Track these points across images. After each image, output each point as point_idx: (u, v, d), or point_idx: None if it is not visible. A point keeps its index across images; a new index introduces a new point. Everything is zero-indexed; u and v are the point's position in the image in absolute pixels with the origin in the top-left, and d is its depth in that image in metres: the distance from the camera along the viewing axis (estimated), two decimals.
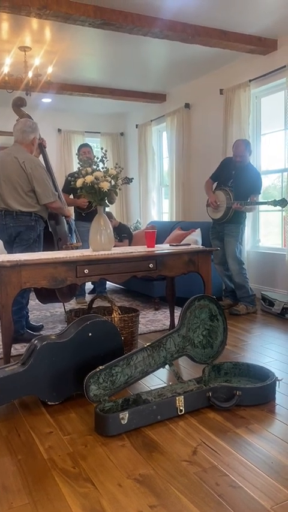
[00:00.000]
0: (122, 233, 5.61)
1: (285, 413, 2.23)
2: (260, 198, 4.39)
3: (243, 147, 4.33)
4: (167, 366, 2.49)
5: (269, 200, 4.04)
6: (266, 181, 5.01)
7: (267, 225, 5.26)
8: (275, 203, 3.96)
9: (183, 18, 3.96)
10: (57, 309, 4.69)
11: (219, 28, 4.17)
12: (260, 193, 4.38)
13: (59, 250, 3.65)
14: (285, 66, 4.38)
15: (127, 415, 2.06)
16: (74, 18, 3.66)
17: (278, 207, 4.03)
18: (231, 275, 4.48)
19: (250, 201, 4.20)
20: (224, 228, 4.39)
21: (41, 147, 3.82)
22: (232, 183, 4.33)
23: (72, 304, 4.79)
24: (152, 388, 2.54)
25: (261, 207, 5.03)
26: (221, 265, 4.52)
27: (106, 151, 3.11)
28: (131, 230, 6.00)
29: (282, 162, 4.68)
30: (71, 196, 4.70)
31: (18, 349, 3.34)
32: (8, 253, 3.47)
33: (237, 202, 4.16)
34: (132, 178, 4.46)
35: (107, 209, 6.74)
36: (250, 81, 4.83)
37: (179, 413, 2.21)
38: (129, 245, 5.42)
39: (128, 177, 4.38)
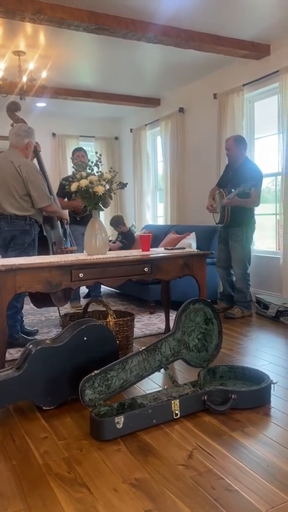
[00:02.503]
0: (128, 239, 5.59)
1: (280, 417, 2.23)
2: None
3: (232, 140, 4.30)
4: (162, 370, 2.49)
5: (239, 188, 4.00)
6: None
7: (262, 228, 5.28)
8: (243, 189, 3.96)
9: (177, 23, 3.99)
10: (52, 313, 4.68)
11: (213, 33, 4.20)
12: (255, 184, 4.08)
13: (53, 254, 3.64)
14: (278, 71, 4.41)
15: (122, 419, 2.05)
16: (68, 23, 3.67)
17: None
18: (232, 280, 4.47)
19: (233, 192, 4.04)
20: (229, 231, 4.36)
21: (35, 152, 3.82)
22: (230, 185, 4.32)
23: (67, 308, 4.77)
24: (148, 392, 2.53)
25: (256, 211, 5.03)
26: (223, 269, 4.50)
27: (101, 155, 3.12)
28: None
29: (276, 166, 4.70)
30: (65, 200, 4.70)
31: (13, 353, 3.32)
32: (3, 257, 3.46)
33: (225, 198, 4.13)
34: (127, 183, 4.46)
35: (109, 213, 6.77)
36: (243, 85, 4.86)
37: (175, 417, 2.20)
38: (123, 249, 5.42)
39: (122, 182, 4.38)
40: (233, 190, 4.09)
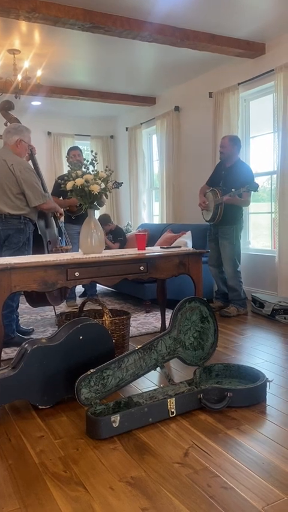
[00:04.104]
0: (118, 236, 5.65)
1: (275, 414, 2.24)
2: (252, 196, 4.34)
3: (227, 140, 4.33)
4: (158, 368, 2.49)
5: (243, 188, 4.02)
6: None
7: (257, 227, 5.30)
8: (248, 189, 3.98)
9: (172, 22, 3.99)
10: (48, 312, 4.67)
11: (208, 32, 4.20)
12: (251, 186, 4.14)
13: (48, 253, 3.64)
14: (273, 70, 4.42)
15: (118, 418, 2.06)
16: (63, 21, 3.66)
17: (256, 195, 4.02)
18: (225, 278, 4.48)
19: (234, 191, 4.07)
20: (218, 230, 4.37)
21: (31, 154, 3.81)
22: (222, 182, 4.33)
23: (62, 307, 4.77)
24: (144, 390, 2.54)
25: (251, 209, 5.07)
26: (216, 268, 4.51)
27: (96, 154, 3.11)
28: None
29: (271, 165, 4.72)
30: (61, 199, 4.69)
31: (9, 353, 3.32)
32: None
33: (226, 195, 4.13)
34: (122, 183, 4.46)
35: (104, 212, 6.78)
36: (239, 84, 4.86)
37: (171, 416, 2.21)
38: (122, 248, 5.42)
39: (117, 182, 4.38)
40: (233, 189, 4.10)
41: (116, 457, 1.90)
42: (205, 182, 4.63)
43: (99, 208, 3.33)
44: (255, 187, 3.96)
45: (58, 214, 3.88)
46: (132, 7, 3.68)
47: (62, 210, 3.95)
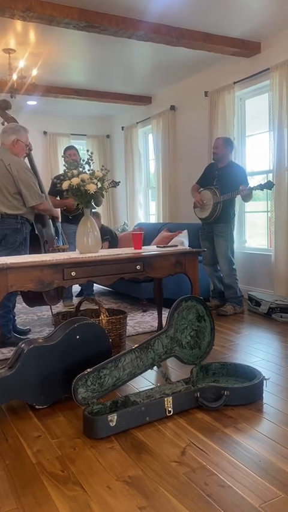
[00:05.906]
0: (104, 235, 5.61)
1: (272, 412, 2.25)
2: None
3: (221, 141, 4.37)
4: (155, 367, 2.49)
5: (255, 185, 4.05)
6: (251, 183, 5.04)
7: (253, 225, 5.31)
8: (261, 187, 4.00)
9: (167, 21, 3.99)
10: (45, 312, 4.66)
11: (203, 31, 4.20)
12: (248, 184, 4.24)
13: (45, 253, 3.63)
14: (268, 69, 4.43)
15: (115, 417, 2.06)
16: (58, 20, 3.65)
17: (269, 195, 4.04)
18: (220, 276, 4.49)
19: (243, 189, 4.08)
20: (213, 228, 4.38)
21: (28, 154, 3.80)
22: (217, 182, 4.34)
23: (59, 307, 4.76)
24: (141, 389, 2.54)
25: (247, 208, 5.08)
26: (211, 266, 4.52)
27: (92, 153, 3.11)
28: (115, 233, 5.98)
29: (267, 164, 4.72)
30: (58, 198, 4.68)
31: (5, 353, 3.31)
32: None
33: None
34: (119, 182, 4.46)
35: (101, 211, 6.75)
36: (234, 83, 4.87)
37: (168, 414, 2.21)
38: (111, 248, 5.41)
39: (114, 181, 4.37)
40: (240, 187, 4.11)
41: (113, 456, 1.90)
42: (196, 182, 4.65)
43: (96, 208, 3.33)
44: (270, 186, 3.98)
45: (55, 217, 3.87)
46: (128, 6, 3.68)
47: (58, 214, 3.94)
